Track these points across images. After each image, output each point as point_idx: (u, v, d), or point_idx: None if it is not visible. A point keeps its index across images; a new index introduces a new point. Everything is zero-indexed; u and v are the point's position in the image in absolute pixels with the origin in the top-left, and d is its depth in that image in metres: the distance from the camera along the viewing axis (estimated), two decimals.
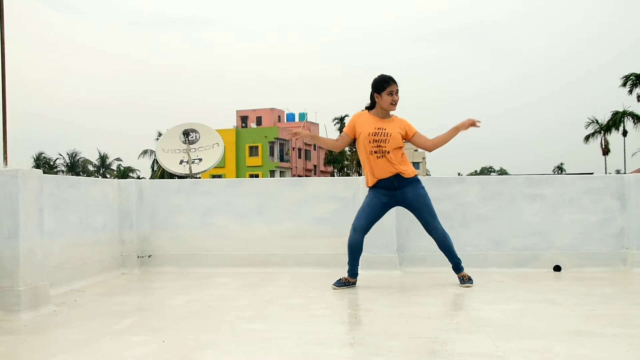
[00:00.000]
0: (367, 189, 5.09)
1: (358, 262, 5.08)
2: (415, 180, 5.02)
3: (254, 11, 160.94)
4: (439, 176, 6.60)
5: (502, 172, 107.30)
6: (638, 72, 55.13)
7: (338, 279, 5.07)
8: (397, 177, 4.94)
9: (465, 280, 5.06)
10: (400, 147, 5.01)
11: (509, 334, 3.39)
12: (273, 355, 3.06)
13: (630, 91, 55.77)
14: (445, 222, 5.99)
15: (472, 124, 5.01)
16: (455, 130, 5.04)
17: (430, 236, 5.12)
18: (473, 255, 5.95)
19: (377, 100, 5.03)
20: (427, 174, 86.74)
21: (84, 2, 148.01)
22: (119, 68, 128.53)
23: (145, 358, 3.03)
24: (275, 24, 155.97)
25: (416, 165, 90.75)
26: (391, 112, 5.09)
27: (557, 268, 5.89)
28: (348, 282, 5.03)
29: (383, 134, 4.93)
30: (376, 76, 5.06)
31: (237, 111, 74.55)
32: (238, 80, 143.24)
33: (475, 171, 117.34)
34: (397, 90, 4.99)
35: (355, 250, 5.04)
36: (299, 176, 61.44)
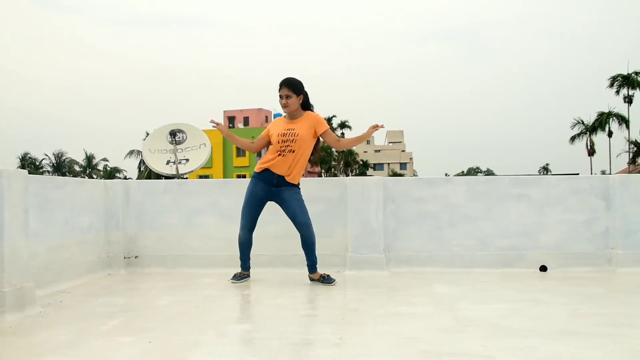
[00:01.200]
0: (254, 178, 5.27)
1: (249, 257, 5.42)
2: (294, 187, 5.23)
3: (243, 11, 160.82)
4: (426, 177, 6.62)
5: (489, 172, 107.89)
6: (625, 73, 55.66)
7: (234, 274, 5.41)
8: (280, 178, 5.15)
9: (325, 277, 5.22)
10: (309, 146, 5.18)
11: (495, 334, 3.41)
12: (260, 356, 3.06)
13: (617, 92, 56.30)
14: (432, 223, 6.04)
15: (375, 128, 5.07)
16: (360, 139, 5.23)
17: (298, 232, 5.20)
18: (460, 255, 5.98)
19: None
20: (414, 174, 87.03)
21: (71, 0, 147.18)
22: (105, 67, 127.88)
23: (131, 359, 3.02)
24: (264, 24, 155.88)
25: (403, 165, 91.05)
26: (304, 111, 5.23)
27: (543, 268, 5.93)
28: (244, 275, 5.40)
29: (291, 134, 5.12)
30: None
31: (224, 111, 74.40)
32: (225, 81, 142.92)
33: (462, 172, 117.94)
34: (284, 94, 5.14)
35: (245, 247, 5.37)
36: None
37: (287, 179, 5.15)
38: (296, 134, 5.10)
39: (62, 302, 4.52)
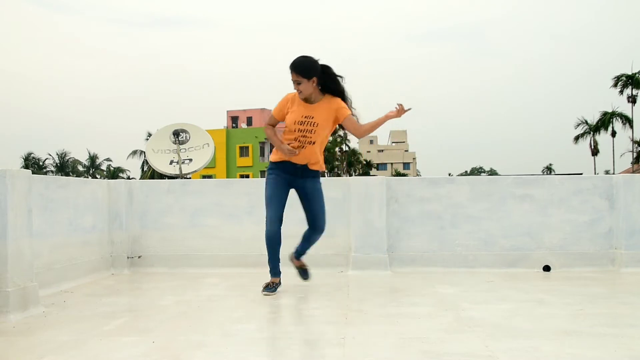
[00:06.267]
0: (273, 169, 4.77)
1: (279, 259, 4.81)
2: (318, 175, 4.81)
3: (245, 11, 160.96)
4: (430, 176, 6.61)
5: (492, 172, 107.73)
6: (629, 73, 55.52)
7: (266, 285, 4.78)
8: (304, 167, 4.72)
9: (304, 270, 4.99)
10: (329, 131, 4.71)
11: (498, 334, 3.40)
12: (263, 356, 3.06)
13: (621, 92, 56.17)
14: (435, 222, 6.03)
15: (402, 110, 4.51)
16: (385, 118, 4.54)
17: (309, 226, 4.87)
18: (463, 255, 5.98)
19: None
20: (417, 174, 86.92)
21: (75, 0, 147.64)
22: (108, 67, 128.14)
23: (134, 359, 3.02)
24: (266, 24, 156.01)
25: (406, 165, 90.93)
26: (323, 94, 4.68)
27: (547, 268, 5.91)
28: (276, 284, 4.81)
29: (310, 123, 4.62)
30: None
31: (227, 111, 74.50)
32: (228, 80, 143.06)
33: (466, 171, 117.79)
34: (294, 79, 4.59)
35: (276, 244, 4.74)
36: None
37: (312, 167, 4.72)
38: (315, 124, 4.61)
39: (66, 302, 4.52)
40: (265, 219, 4.74)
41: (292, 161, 4.70)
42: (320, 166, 4.80)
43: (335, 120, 4.68)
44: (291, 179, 4.75)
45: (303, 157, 4.69)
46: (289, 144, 4.64)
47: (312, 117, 4.62)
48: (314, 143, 4.65)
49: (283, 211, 4.74)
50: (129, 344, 3.29)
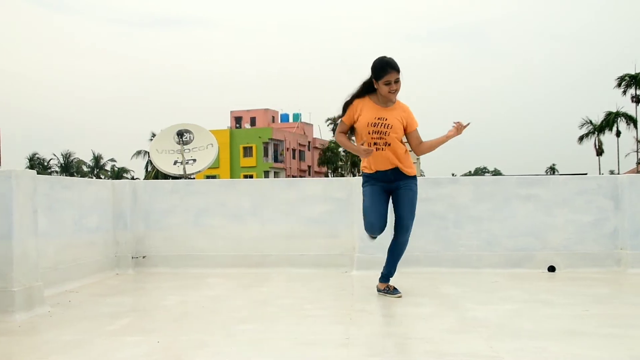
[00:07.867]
0: (360, 184, 4.70)
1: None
2: (412, 180, 4.61)
3: (247, 11, 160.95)
4: (433, 176, 6.61)
5: (496, 172, 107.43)
6: (632, 73, 55.37)
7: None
8: (395, 170, 4.53)
9: (391, 290, 4.65)
10: (401, 142, 4.55)
11: (503, 334, 3.40)
12: (267, 356, 3.06)
13: (625, 92, 56.02)
14: (439, 223, 6.02)
15: (461, 127, 4.47)
16: (446, 138, 4.52)
17: (394, 233, 4.66)
18: (466, 255, 5.96)
19: (375, 86, 4.50)
20: (421, 175, 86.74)
21: (76, 0, 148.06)
22: (111, 68, 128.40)
23: (138, 359, 3.02)
24: (269, 24, 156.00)
25: None
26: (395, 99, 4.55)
27: (552, 268, 5.90)
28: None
29: (383, 124, 4.45)
30: (376, 59, 4.49)
31: (231, 112, 74.53)
32: (232, 81, 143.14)
33: (470, 172, 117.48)
34: (397, 79, 4.40)
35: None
36: (293, 177, 61.44)
37: (404, 170, 4.52)
38: (389, 126, 4.44)
39: (71, 302, 4.54)
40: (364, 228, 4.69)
41: (379, 169, 4.53)
42: (413, 171, 4.61)
43: (404, 129, 4.56)
44: (386, 186, 4.57)
45: (385, 160, 4.50)
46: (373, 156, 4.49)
47: (386, 119, 4.47)
48: (389, 145, 4.47)
49: (385, 219, 4.59)
50: (132, 343, 3.30)
